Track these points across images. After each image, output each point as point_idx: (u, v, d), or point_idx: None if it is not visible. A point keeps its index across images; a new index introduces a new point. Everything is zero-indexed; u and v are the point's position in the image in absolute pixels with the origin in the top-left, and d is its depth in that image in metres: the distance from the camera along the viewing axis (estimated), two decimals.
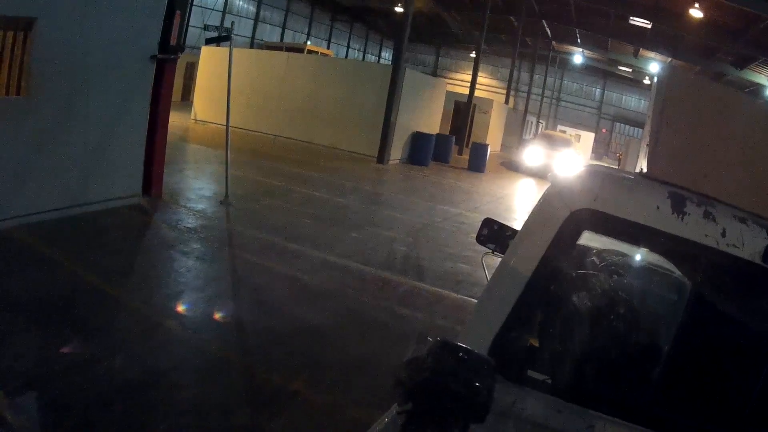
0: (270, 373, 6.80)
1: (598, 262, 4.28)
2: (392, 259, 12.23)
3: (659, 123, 3.60)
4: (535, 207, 3.45)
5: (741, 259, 3.06)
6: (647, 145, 3.70)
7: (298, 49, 40.89)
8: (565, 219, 3.23)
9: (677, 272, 4.21)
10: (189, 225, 11.99)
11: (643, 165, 3.69)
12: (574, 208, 3.23)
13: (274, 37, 59.71)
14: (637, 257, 4.53)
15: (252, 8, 58.31)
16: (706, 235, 3.09)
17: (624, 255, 4.51)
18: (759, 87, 45.47)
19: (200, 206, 13.56)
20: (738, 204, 3.40)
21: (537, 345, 3.43)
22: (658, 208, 3.16)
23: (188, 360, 6.85)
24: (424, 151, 30.50)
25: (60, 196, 10.25)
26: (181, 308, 8.16)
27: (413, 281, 10.90)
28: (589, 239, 4.10)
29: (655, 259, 4.31)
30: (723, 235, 3.08)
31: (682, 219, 3.12)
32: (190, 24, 41.95)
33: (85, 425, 5.26)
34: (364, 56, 78.86)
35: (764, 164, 3.57)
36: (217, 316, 8.18)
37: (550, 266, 3.25)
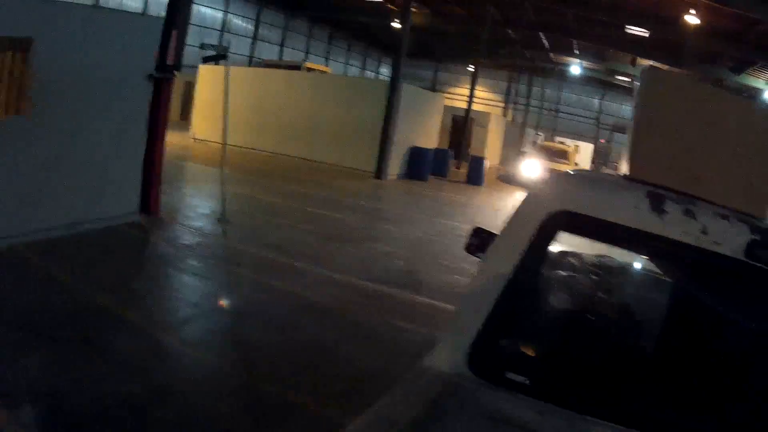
0: (270, 386, 6.83)
1: (577, 264, 4.31)
2: (390, 273, 12.27)
3: (639, 123, 3.66)
4: (514, 211, 3.48)
5: (723, 255, 3.08)
6: (628, 146, 3.73)
7: (297, 67, 41.00)
8: (543, 221, 3.26)
9: (659, 272, 4.22)
10: (187, 242, 12.07)
11: (625, 167, 3.71)
12: (551, 210, 3.27)
13: (273, 55, 59.81)
14: (619, 258, 4.50)
15: (250, 27, 58.47)
16: (686, 233, 3.12)
17: (606, 257, 4.51)
18: (757, 91, 45.44)
19: (198, 224, 13.63)
20: (722, 202, 3.41)
21: (517, 347, 3.45)
22: (636, 207, 3.19)
23: (188, 375, 6.91)
24: (423, 165, 30.57)
25: (59, 215, 10.31)
26: (179, 324, 8.23)
27: (411, 295, 10.94)
28: (578, 246, 4.17)
29: (637, 260, 4.34)
30: (704, 232, 3.10)
31: (662, 217, 3.15)
32: (187, 43, 42.17)
33: None
34: (363, 73, 79.03)
35: (749, 162, 3.58)
36: (215, 331, 8.26)
37: (529, 269, 3.28)
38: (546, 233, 3.28)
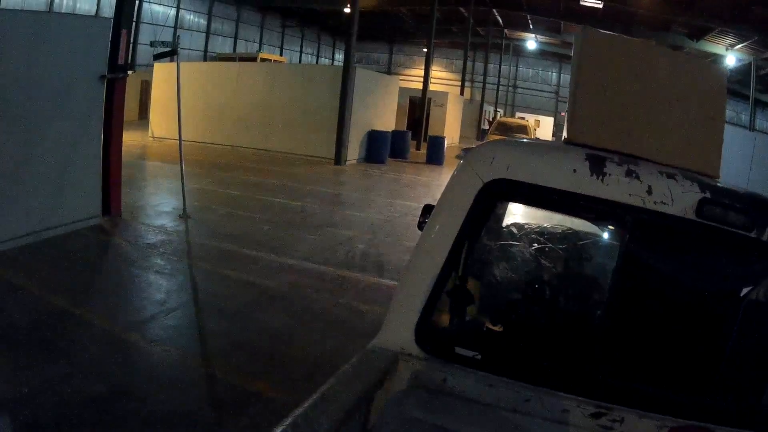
0: (232, 376, 6.92)
1: (521, 233, 4.18)
2: (351, 257, 12.37)
3: (576, 86, 3.59)
4: (448, 182, 3.41)
5: (672, 215, 3.06)
6: (568, 111, 3.66)
7: (251, 59, 40.89)
8: (479, 191, 3.21)
9: (606, 237, 4.02)
10: (149, 241, 12.10)
11: (565, 132, 3.65)
12: (486, 180, 3.21)
13: (227, 48, 59.62)
14: (564, 225, 4.40)
15: (203, 21, 58.21)
16: (630, 194, 3.07)
17: (551, 225, 4.39)
18: (717, 57, 45.13)
19: (160, 222, 13.66)
20: (669, 162, 3.36)
21: (464, 321, 3.43)
22: (575, 171, 3.14)
23: (151, 371, 6.97)
24: (381, 148, 30.59)
25: (19, 223, 10.30)
26: (143, 322, 8.26)
27: (372, 277, 11.05)
28: (525, 215, 4.16)
29: (583, 226, 4.17)
30: (649, 192, 3.06)
31: (602, 180, 3.10)
32: (141, 42, 41.98)
33: None
34: (317, 59, 78.75)
35: (693, 119, 3.55)
36: (179, 326, 8.32)
37: (467, 241, 3.26)
38: (483, 203, 3.24)
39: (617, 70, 3.59)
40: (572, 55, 3.83)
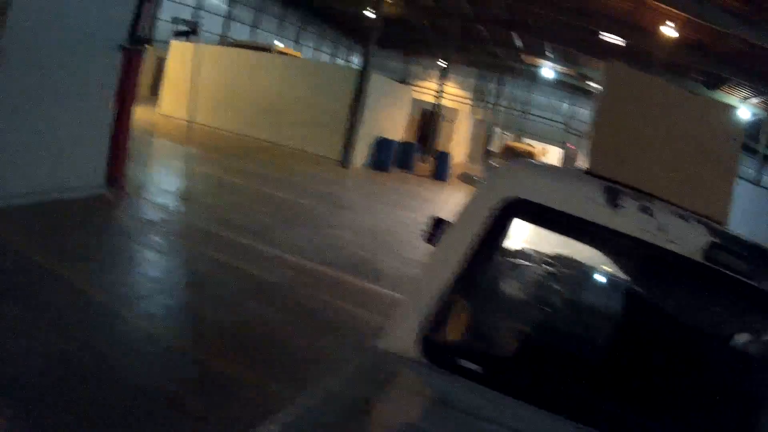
0: (217, 362, 6.91)
1: (532, 254, 4.27)
2: (348, 260, 12.33)
3: (600, 118, 3.66)
4: (470, 196, 3.42)
5: (679, 255, 3.06)
6: (589, 141, 3.69)
7: (266, 49, 40.91)
8: (496, 207, 3.22)
9: (614, 268, 4.15)
10: (150, 218, 12.09)
11: (585, 163, 3.67)
12: (505, 196, 3.23)
13: (244, 36, 59.51)
14: (575, 253, 4.45)
15: (223, 5, 58.20)
16: (642, 230, 3.09)
17: (562, 251, 4.48)
18: (731, 108, 44.87)
19: (162, 200, 13.66)
20: (682, 204, 3.39)
21: (469, 334, 3.44)
22: (591, 200, 3.17)
23: (138, 346, 6.96)
24: (388, 156, 30.70)
25: (24, 184, 10.21)
26: (135, 297, 8.27)
27: (368, 283, 11.02)
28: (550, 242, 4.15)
29: (593, 255, 4.14)
30: (660, 230, 3.08)
31: (617, 212, 3.12)
32: (161, 18, 41.88)
33: (39, 400, 5.34)
34: (333, 59, 78.81)
35: (709, 165, 3.59)
36: (169, 306, 8.32)
37: (482, 255, 3.24)
38: (499, 220, 3.25)
39: (641, 107, 3.66)
40: (598, 86, 3.90)
